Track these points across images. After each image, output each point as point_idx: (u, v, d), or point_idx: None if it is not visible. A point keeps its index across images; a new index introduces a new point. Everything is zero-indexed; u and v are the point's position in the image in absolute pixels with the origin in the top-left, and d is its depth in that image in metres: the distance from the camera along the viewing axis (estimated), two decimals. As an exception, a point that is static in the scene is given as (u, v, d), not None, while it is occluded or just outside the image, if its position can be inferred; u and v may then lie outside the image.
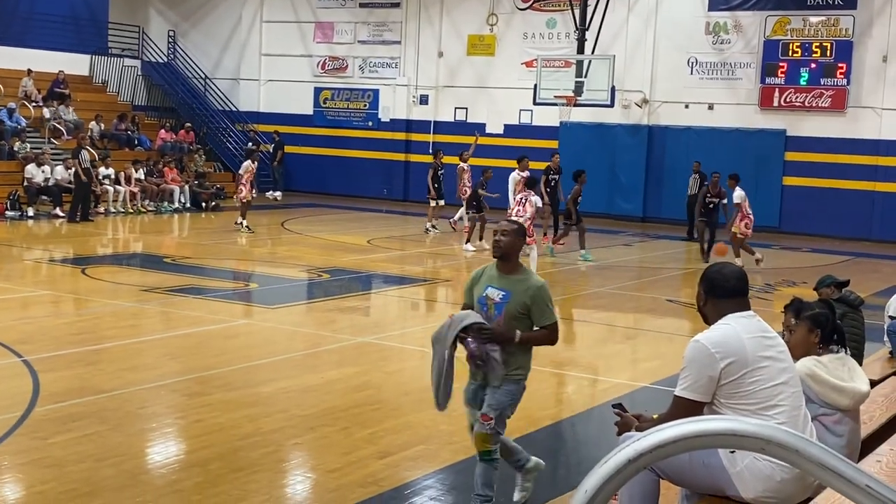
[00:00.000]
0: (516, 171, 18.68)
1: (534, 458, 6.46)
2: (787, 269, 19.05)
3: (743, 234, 18.08)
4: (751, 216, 18.20)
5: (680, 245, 20.32)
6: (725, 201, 18.86)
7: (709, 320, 4.53)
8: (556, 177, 21.11)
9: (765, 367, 4.33)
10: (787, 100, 25.27)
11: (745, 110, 25.82)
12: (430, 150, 28.35)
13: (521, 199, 16.02)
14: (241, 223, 20.93)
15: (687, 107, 26.36)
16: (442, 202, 22.44)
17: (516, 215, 15.58)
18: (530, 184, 16.55)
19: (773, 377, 4.34)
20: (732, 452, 4.31)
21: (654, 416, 4.73)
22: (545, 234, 20.77)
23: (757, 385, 4.31)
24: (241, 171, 21.42)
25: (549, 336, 6.10)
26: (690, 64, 26.32)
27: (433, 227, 22.35)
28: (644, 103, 26.75)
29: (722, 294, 4.51)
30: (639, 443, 1.77)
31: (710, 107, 26.10)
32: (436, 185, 22.35)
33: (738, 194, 18.18)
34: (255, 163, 21.61)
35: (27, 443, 7.21)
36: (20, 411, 7.84)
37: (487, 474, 6.04)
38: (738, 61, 25.88)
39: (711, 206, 19.27)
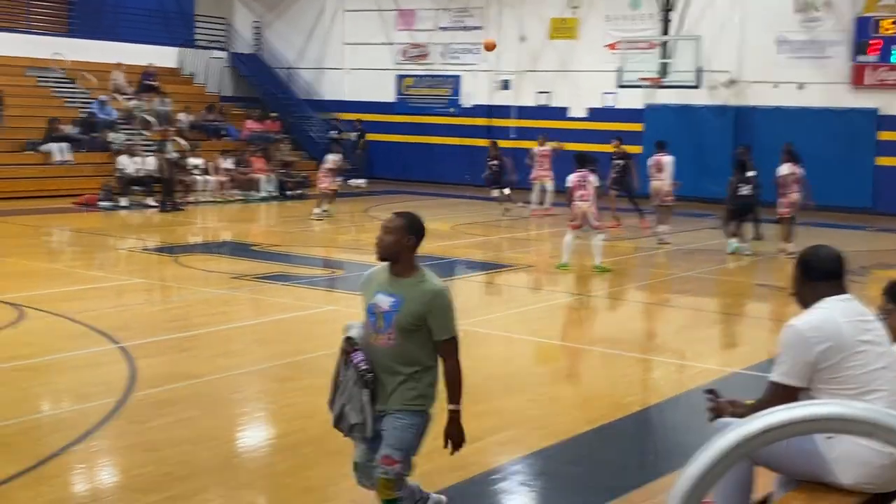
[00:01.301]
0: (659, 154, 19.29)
1: (434, 496, 5.54)
2: (882, 252, 18.57)
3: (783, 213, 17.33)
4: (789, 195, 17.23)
5: (769, 228, 19.88)
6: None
7: (805, 304, 4.45)
8: (621, 162, 20.97)
9: (863, 351, 4.25)
10: (880, 78, 24.57)
11: (835, 89, 25.17)
12: (511, 136, 28.37)
13: (580, 180, 14.83)
14: (324, 210, 21.29)
15: (776, 86, 25.80)
16: (507, 190, 22.97)
17: (580, 199, 14.82)
18: (582, 161, 15.15)
19: (872, 361, 4.26)
20: (829, 438, 4.23)
21: (749, 402, 4.66)
22: (616, 220, 20.47)
23: (855, 370, 4.22)
24: (326, 165, 21.65)
25: (453, 362, 5.16)
26: (779, 43, 25.74)
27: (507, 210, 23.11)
28: (731, 84, 26.27)
29: (818, 277, 4.42)
30: (745, 427, 1.75)
31: (800, 86, 25.50)
32: (487, 175, 23.53)
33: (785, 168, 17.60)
34: (339, 154, 21.86)
35: (126, 427, 7.41)
36: (118, 396, 8.05)
37: None
38: (829, 39, 25.20)
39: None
